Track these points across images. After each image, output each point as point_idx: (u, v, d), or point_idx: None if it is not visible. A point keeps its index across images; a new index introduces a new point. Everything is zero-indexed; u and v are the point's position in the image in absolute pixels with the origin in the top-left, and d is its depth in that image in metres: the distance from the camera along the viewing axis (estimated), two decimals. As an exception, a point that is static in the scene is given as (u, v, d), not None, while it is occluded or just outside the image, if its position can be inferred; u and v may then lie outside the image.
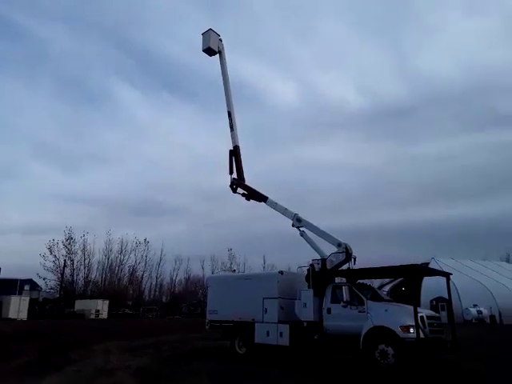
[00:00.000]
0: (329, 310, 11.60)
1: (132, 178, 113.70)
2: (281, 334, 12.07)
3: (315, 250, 13.26)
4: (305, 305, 11.89)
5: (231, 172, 16.08)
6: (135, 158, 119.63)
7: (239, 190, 15.83)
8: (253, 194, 15.44)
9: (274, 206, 14.68)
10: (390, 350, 9.98)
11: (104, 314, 53.14)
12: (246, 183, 15.76)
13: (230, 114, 16.75)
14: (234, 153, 16.30)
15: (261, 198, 15.14)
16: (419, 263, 15.25)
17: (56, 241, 66.61)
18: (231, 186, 15.93)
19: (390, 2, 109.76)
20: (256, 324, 12.77)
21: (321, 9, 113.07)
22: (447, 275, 12.13)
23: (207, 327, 14.58)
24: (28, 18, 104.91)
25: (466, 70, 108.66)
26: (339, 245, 12.51)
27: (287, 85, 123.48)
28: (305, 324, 11.80)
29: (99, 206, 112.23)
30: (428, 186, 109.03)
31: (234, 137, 16.47)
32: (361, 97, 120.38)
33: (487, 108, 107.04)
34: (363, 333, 10.45)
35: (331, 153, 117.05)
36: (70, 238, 68.66)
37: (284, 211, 14.34)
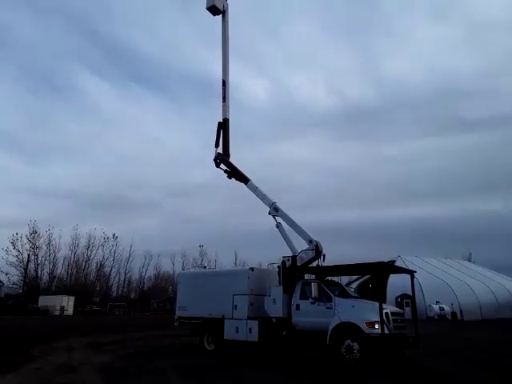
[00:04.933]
0: (297, 307, 11.70)
1: (100, 172, 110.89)
2: (250, 330, 12.08)
3: (288, 244, 13.30)
4: (274, 301, 11.94)
5: (217, 145, 15.69)
6: (103, 151, 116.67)
7: (222, 165, 15.45)
8: (235, 173, 15.08)
9: (254, 189, 14.45)
10: (356, 346, 10.17)
11: (69, 311, 51.72)
12: (230, 160, 15.39)
13: (224, 83, 16.26)
14: (223, 125, 15.86)
15: (242, 178, 14.82)
16: (386, 261, 15.62)
17: (19, 235, 64.31)
18: (215, 160, 15.59)
19: (360, 6, 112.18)
20: (225, 320, 12.73)
21: (292, 10, 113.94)
22: (412, 273, 12.47)
23: (176, 324, 14.42)
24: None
25: (430, 74, 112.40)
26: (310, 241, 12.61)
27: (259, 83, 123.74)
28: (274, 320, 11.86)
29: (66, 199, 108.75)
30: (394, 186, 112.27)
31: (225, 108, 15.99)
32: (331, 97, 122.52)
33: (449, 112, 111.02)
34: (330, 328, 10.60)
35: (302, 151, 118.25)
36: (34, 232, 66.42)
37: (263, 197, 14.19)
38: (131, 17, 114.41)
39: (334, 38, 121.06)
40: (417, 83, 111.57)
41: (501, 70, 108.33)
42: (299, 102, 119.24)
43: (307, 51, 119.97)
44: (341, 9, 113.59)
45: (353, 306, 10.94)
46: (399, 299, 36.91)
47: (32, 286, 62.01)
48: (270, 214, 13.88)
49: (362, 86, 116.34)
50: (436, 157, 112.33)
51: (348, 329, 10.40)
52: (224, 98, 16.12)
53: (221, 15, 17.05)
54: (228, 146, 15.66)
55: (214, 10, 16.70)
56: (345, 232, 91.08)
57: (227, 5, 17.15)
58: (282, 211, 13.62)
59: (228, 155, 15.53)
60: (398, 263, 43.54)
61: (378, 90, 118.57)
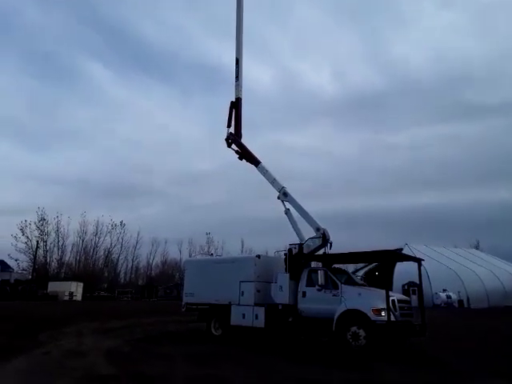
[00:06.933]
0: (304, 294, 11.72)
1: (107, 159, 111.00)
2: (256, 317, 12.16)
3: (295, 231, 13.26)
4: (281, 288, 11.97)
5: (229, 125, 15.56)
6: (110, 138, 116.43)
7: (234, 146, 15.33)
8: (246, 154, 14.93)
9: (265, 173, 14.30)
10: (362, 332, 10.19)
11: (78, 296, 52.50)
12: (242, 141, 15.24)
13: (237, 62, 16.06)
14: (235, 105, 15.69)
15: (253, 160, 14.67)
16: (393, 249, 15.54)
17: (28, 222, 65.17)
18: (226, 139, 15.47)
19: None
20: (232, 306, 12.82)
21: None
22: (419, 261, 12.39)
23: (183, 309, 14.57)
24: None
25: (436, 60, 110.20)
26: (318, 229, 12.55)
27: (264, 70, 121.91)
28: (280, 307, 11.91)
29: (73, 186, 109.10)
30: (401, 174, 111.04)
31: (237, 87, 15.82)
32: (336, 84, 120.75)
33: (455, 99, 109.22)
34: (336, 315, 10.61)
35: (306, 138, 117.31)
36: (42, 219, 67.25)
37: (273, 181, 14.05)
38: (137, 4, 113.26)
39: (339, 24, 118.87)
40: (422, 69, 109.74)
41: (508, 56, 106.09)
42: (304, 89, 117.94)
43: (312, 37, 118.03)
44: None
45: (359, 294, 10.94)
46: (406, 287, 36.81)
47: (41, 272, 62.93)
48: (278, 198, 13.80)
49: (367, 72, 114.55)
50: (443, 144, 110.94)
51: (354, 316, 10.40)
52: (237, 77, 15.90)
53: None
54: (240, 126, 15.48)
55: None
56: (352, 220, 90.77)
57: None
58: (291, 196, 13.51)
59: (240, 136, 15.37)
60: (406, 251, 43.41)
61: (383, 76, 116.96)
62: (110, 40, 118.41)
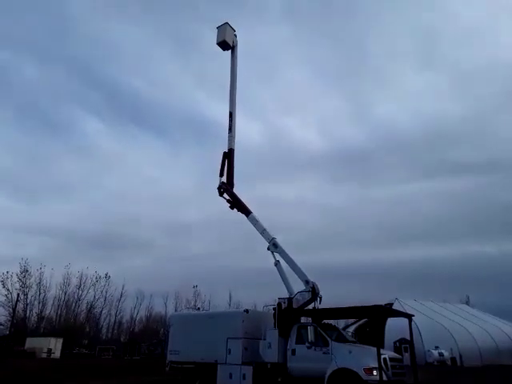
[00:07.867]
0: (293, 351, 11.40)
1: (94, 211, 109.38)
2: (244, 377, 11.70)
3: (285, 284, 13.14)
4: (269, 345, 11.65)
5: (221, 174, 16.02)
6: (97, 189, 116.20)
7: (225, 195, 15.63)
8: (237, 204, 15.22)
9: (255, 223, 14.47)
10: (354, 394, 9.85)
11: (57, 353, 49.68)
12: (234, 191, 15.57)
13: (231, 115, 16.79)
14: (228, 155, 16.22)
15: (244, 210, 14.93)
16: (383, 304, 15.38)
17: (10, 273, 62.99)
18: (219, 188, 15.81)
19: (348, 55, 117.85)
20: (219, 366, 12.35)
21: (283, 58, 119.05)
22: (409, 317, 12.28)
23: (167, 369, 13.91)
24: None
25: (418, 119, 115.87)
26: (307, 282, 12.48)
27: (252, 126, 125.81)
28: (269, 365, 11.52)
29: (59, 238, 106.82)
30: (390, 228, 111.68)
31: (230, 139, 16.45)
32: (323, 140, 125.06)
33: (437, 156, 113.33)
34: (327, 375, 10.30)
35: (293, 193, 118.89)
36: (25, 271, 65.00)
37: (262, 231, 14.15)
38: (131, 59, 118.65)
39: (325, 85, 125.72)
40: (406, 128, 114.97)
41: (486, 115, 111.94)
42: (292, 144, 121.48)
43: (299, 97, 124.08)
44: (330, 57, 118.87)
45: (350, 352, 10.69)
46: (397, 344, 35.87)
47: (20, 326, 59.99)
48: (268, 249, 13.82)
49: (351, 130, 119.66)
50: (430, 199, 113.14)
51: (345, 375, 10.11)
52: (230, 129, 16.66)
53: (230, 50, 17.82)
54: (232, 176, 15.96)
55: (224, 45, 17.52)
56: (341, 273, 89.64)
57: (237, 41, 17.97)
58: (280, 247, 13.55)
59: (232, 185, 15.77)
60: (396, 306, 42.66)
61: (368, 133, 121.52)
62: (104, 95, 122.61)
